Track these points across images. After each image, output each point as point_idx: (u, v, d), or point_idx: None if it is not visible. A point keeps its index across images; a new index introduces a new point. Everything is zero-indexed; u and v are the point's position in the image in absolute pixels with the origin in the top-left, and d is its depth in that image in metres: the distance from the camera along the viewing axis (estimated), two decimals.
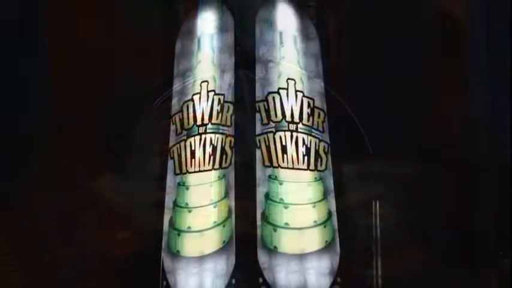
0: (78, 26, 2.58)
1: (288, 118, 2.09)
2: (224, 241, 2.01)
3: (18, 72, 2.35)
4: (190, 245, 2.07)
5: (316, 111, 2.14)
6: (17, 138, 2.37)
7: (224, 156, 2.05)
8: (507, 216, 3.65)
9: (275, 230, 2.03)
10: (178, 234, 2.09)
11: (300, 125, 2.11)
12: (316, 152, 2.12)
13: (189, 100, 2.13)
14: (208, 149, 2.07)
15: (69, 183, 2.59)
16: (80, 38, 2.51)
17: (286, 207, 2.05)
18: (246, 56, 2.12)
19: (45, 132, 2.45)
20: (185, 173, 2.11)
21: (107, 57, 2.38)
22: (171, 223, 2.11)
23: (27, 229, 2.59)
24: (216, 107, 2.08)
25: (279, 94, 2.09)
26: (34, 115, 2.38)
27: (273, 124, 2.07)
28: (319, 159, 2.12)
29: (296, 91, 2.12)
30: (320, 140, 2.14)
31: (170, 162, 2.15)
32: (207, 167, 2.07)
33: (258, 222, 2.01)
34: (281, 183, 2.05)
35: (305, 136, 2.11)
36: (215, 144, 2.07)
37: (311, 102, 2.14)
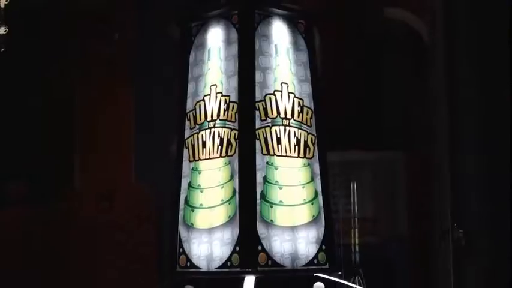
0: None
1: (282, 115, 2.10)
2: (230, 216, 2.02)
3: None
4: (202, 219, 2.08)
5: (305, 109, 2.15)
6: None
7: (230, 146, 2.05)
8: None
9: (271, 207, 2.03)
10: (192, 210, 2.10)
11: (291, 121, 2.12)
12: (305, 142, 2.13)
13: (201, 100, 2.14)
14: (217, 140, 2.08)
15: None
16: None
17: (280, 188, 2.06)
18: None
19: None
20: (198, 160, 2.12)
21: None
22: (186, 201, 2.12)
23: None
24: (223, 106, 2.08)
25: (275, 95, 2.10)
26: None
27: (269, 120, 2.07)
28: (307, 149, 2.13)
29: (288, 93, 2.12)
30: (308, 133, 2.14)
31: (185, 151, 2.15)
32: (215, 155, 2.07)
33: (258, 200, 2.01)
34: (276, 168, 2.06)
35: (296, 130, 2.12)
36: (222, 137, 2.07)
37: (301, 102, 2.15)
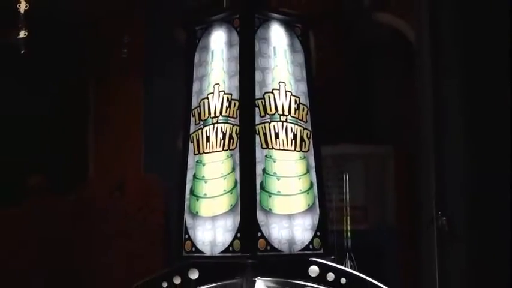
0: None
1: (280, 112, 2.09)
2: (232, 204, 2.01)
3: None
4: (206, 208, 2.07)
5: (301, 106, 2.14)
6: None
7: (231, 141, 2.05)
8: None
9: (270, 196, 2.03)
10: (197, 200, 2.09)
11: (288, 117, 2.11)
12: (301, 137, 2.12)
13: (205, 98, 2.13)
14: (220, 135, 2.07)
15: None
16: None
17: (278, 179, 2.05)
18: None
19: None
20: (202, 153, 2.11)
21: None
22: (192, 191, 2.11)
23: None
24: (225, 104, 2.08)
25: (273, 93, 2.09)
26: None
27: (268, 116, 2.07)
28: (303, 143, 2.12)
29: (286, 91, 2.12)
30: (304, 128, 2.14)
31: (191, 145, 2.15)
32: (218, 149, 2.07)
33: (257, 190, 2.01)
34: (274, 161, 2.05)
35: (292, 125, 2.11)
36: (225, 132, 2.06)
37: (297, 99, 2.14)
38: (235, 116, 2.05)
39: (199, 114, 2.14)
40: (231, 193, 2.02)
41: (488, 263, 3.86)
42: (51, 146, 6.29)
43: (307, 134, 2.13)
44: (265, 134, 2.05)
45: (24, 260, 5.65)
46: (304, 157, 2.12)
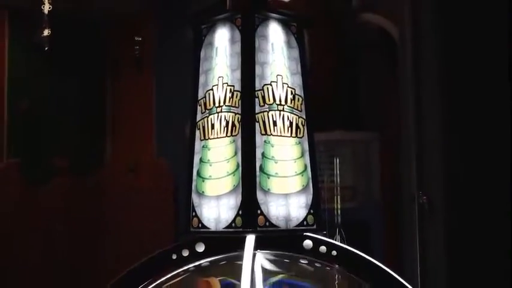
0: None
1: (277, 102, 2.08)
2: (234, 185, 2.00)
3: None
4: (211, 188, 2.06)
5: (296, 97, 2.13)
6: None
7: (234, 128, 2.03)
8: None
9: (268, 178, 2.01)
10: (203, 181, 2.08)
11: (285, 107, 2.09)
12: (297, 124, 2.11)
13: (210, 90, 2.12)
14: (223, 123, 2.05)
15: None
16: None
17: (276, 162, 2.03)
18: None
19: None
20: (207, 139, 2.09)
21: None
22: (198, 173, 2.09)
23: None
24: (228, 95, 2.06)
25: (271, 85, 2.07)
26: None
27: (267, 106, 2.05)
28: (298, 130, 2.11)
29: (283, 83, 2.10)
30: (299, 117, 2.12)
31: (197, 132, 2.13)
32: (222, 135, 2.05)
33: (257, 172, 2.00)
34: (272, 146, 2.03)
35: (289, 114, 2.09)
36: (228, 120, 2.05)
37: (293, 91, 2.12)
38: (237, 105, 2.04)
39: (205, 104, 2.12)
40: (234, 175, 2.01)
41: (463, 235, 3.88)
42: (74, 132, 6.30)
43: (301, 121, 2.12)
44: (264, 122, 2.03)
45: (49, 232, 5.67)
46: (299, 142, 2.10)
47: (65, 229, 5.69)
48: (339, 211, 3.67)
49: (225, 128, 2.05)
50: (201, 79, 2.16)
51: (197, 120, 2.14)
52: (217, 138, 2.06)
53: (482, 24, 3.80)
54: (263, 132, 2.03)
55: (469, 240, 3.84)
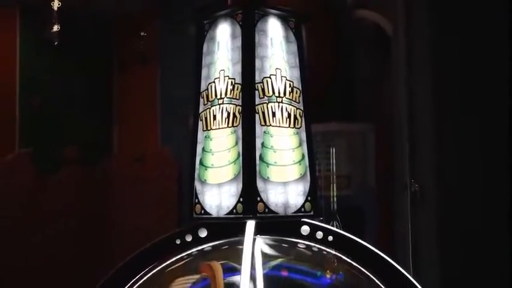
0: None
1: (276, 94, 2.07)
2: (235, 174, 2.00)
3: None
4: (213, 176, 2.05)
5: (295, 89, 2.12)
6: None
7: (235, 119, 2.03)
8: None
9: (268, 166, 2.01)
10: (205, 169, 2.07)
11: (284, 99, 2.08)
12: (295, 116, 2.10)
13: (212, 82, 2.11)
14: (224, 114, 2.05)
15: None
16: None
17: (275, 151, 2.03)
18: None
19: None
20: (209, 130, 2.09)
21: None
22: (201, 162, 2.09)
23: None
24: (230, 87, 2.05)
25: (270, 78, 2.07)
26: None
27: (266, 98, 2.05)
28: (296, 121, 2.10)
29: (281, 76, 2.09)
30: (297, 108, 2.11)
31: (200, 123, 2.13)
32: (223, 126, 2.05)
33: (257, 161, 1.99)
34: (272, 136, 2.03)
35: (287, 106, 2.09)
36: (229, 111, 2.04)
37: (291, 83, 2.12)
38: (238, 97, 2.03)
39: (207, 96, 2.12)
40: (235, 164, 2.00)
41: (453, 220, 3.89)
42: (82, 124, 6.30)
43: (299, 113, 2.11)
44: (263, 113, 2.03)
45: (60, 220, 5.67)
46: (297, 133, 2.10)
47: (74, 219, 5.70)
48: (335, 198, 3.67)
49: (226, 119, 2.04)
50: (204, 72, 2.16)
51: (200, 111, 2.13)
52: (219, 128, 2.06)
53: (475, 19, 3.78)
54: (263, 123, 2.02)
55: (457, 224, 3.85)
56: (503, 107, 3.69)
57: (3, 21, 5.99)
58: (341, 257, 2.08)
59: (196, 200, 2.08)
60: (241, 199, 1.97)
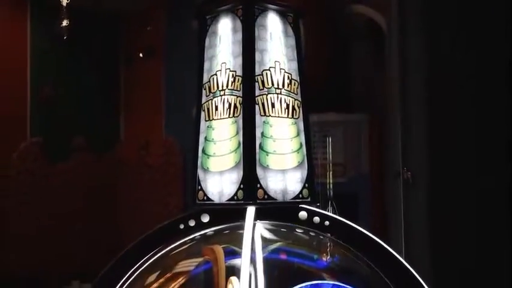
0: None
1: (275, 85, 2.06)
2: (236, 162, 1.99)
3: None
4: (215, 164, 2.04)
5: (293, 81, 2.11)
6: None
7: (236, 109, 2.02)
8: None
9: (267, 155, 2.00)
10: (208, 158, 2.06)
11: (282, 90, 2.07)
12: (293, 106, 2.09)
13: (214, 75, 2.10)
14: (226, 105, 2.04)
15: None
16: None
17: (274, 141, 2.02)
18: None
19: None
20: (211, 120, 2.08)
21: None
22: (203, 150, 2.08)
23: None
24: (231, 79, 2.04)
25: (270, 71, 2.06)
26: None
27: (266, 89, 2.03)
28: (294, 111, 2.09)
29: (280, 69, 2.08)
30: (295, 99, 2.10)
31: (202, 113, 2.12)
32: (225, 116, 2.04)
33: (257, 150, 1.98)
34: (271, 126, 2.02)
35: (286, 97, 2.08)
36: (230, 102, 2.03)
37: (289, 75, 2.10)
38: (238, 89, 2.02)
39: (210, 87, 2.10)
40: (235, 152, 1.99)
41: (443, 205, 3.90)
42: (91, 113, 6.29)
43: (297, 104, 2.10)
44: (263, 104, 2.02)
45: (70, 208, 5.68)
46: (295, 123, 2.09)
47: (83, 206, 5.71)
48: (331, 185, 3.66)
49: (228, 110, 2.03)
50: (206, 65, 2.14)
51: (202, 102, 2.12)
52: (221, 119, 2.05)
53: (468, 13, 3.76)
54: (262, 113, 2.01)
55: (447, 209, 3.86)
56: (495, 98, 3.68)
57: (14, 14, 5.98)
58: (337, 241, 2.07)
59: (199, 187, 2.07)
60: (241, 186, 1.97)
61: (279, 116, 2.05)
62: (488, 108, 3.69)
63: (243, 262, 1.91)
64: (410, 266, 1.97)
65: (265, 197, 1.98)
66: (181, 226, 2.08)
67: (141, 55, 6.15)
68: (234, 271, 1.98)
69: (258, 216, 2.01)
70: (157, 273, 2.11)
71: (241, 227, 1.98)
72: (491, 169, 3.68)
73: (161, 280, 2.11)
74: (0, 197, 5.51)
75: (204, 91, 2.13)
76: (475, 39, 3.76)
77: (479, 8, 3.73)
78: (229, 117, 2.03)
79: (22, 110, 5.92)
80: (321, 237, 2.09)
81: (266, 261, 2.03)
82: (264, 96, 2.03)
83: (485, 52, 3.71)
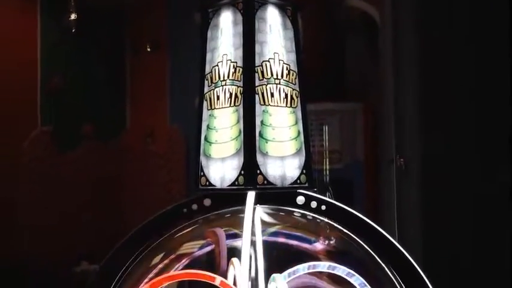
0: None
1: (275, 76, 2.06)
2: (237, 149, 1.99)
3: None
4: (217, 151, 2.04)
5: (291, 72, 2.10)
6: None
7: (236, 99, 2.01)
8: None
9: (267, 142, 2.00)
10: (210, 145, 2.06)
11: (281, 80, 2.07)
12: (291, 96, 2.09)
13: (215, 66, 2.09)
14: (227, 94, 2.04)
15: None
16: None
17: (273, 129, 2.02)
18: None
19: None
20: (213, 109, 2.08)
21: None
22: (206, 138, 2.08)
23: None
24: (232, 70, 2.04)
25: (269, 62, 2.05)
26: None
27: (265, 80, 2.03)
28: (292, 100, 2.09)
29: (279, 60, 2.07)
30: (293, 89, 2.10)
31: (205, 103, 2.12)
32: (226, 105, 2.04)
33: (257, 138, 1.98)
34: (270, 115, 2.02)
35: (284, 87, 2.07)
36: (231, 92, 2.03)
37: (288, 66, 2.10)
38: (239, 79, 2.02)
39: (211, 78, 2.10)
40: (236, 140, 1.99)
41: (434, 191, 3.90)
42: (98, 102, 6.29)
43: (295, 93, 2.10)
44: (263, 94, 2.01)
45: (78, 194, 5.68)
46: (294, 112, 2.08)
47: (91, 193, 5.71)
48: (328, 171, 3.67)
49: (229, 99, 2.03)
50: (208, 56, 2.14)
51: (204, 92, 2.12)
52: (222, 108, 2.05)
53: (462, 4, 3.74)
54: (262, 102, 2.01)
55: (438, 194, 3.86)
56: (489, 87, 3.67)
57: (25, 7, 5.95)
58: (333, 225, 2.08)
59: (202, 173, 2.07)
60: (242, 172, 1.97)
61: (278, 105, 2.05)
62: (482, 96, 3.68)
63: (243, 244, 1.92)
64: (403, 248, 1.98)
65: (265, 182, 1.98)
66: (185, 210, 2.09)
67: (148, 49, 6.14)
68: (235, 253, 1.99)
69: (258, 201, 2.01)
70: (162, 254, 2.12)
71: (242, 211, 1.99)
72: (484, 156, 3.67)
73: (166, 261, 2.11)
74: (11, 184, 5.51)
75: (206, 81, 2.13)
76: (469, 31, 3.74)
77: (473, 0, 3.71)
78: (230, 106, 2.03)
79: (33, 99, 5.91)
80: (318, 220, 2.10)
81: (265, 243, 2.03)
82: (264, 86, 2.03)
83: (479, 42, 3.70)
